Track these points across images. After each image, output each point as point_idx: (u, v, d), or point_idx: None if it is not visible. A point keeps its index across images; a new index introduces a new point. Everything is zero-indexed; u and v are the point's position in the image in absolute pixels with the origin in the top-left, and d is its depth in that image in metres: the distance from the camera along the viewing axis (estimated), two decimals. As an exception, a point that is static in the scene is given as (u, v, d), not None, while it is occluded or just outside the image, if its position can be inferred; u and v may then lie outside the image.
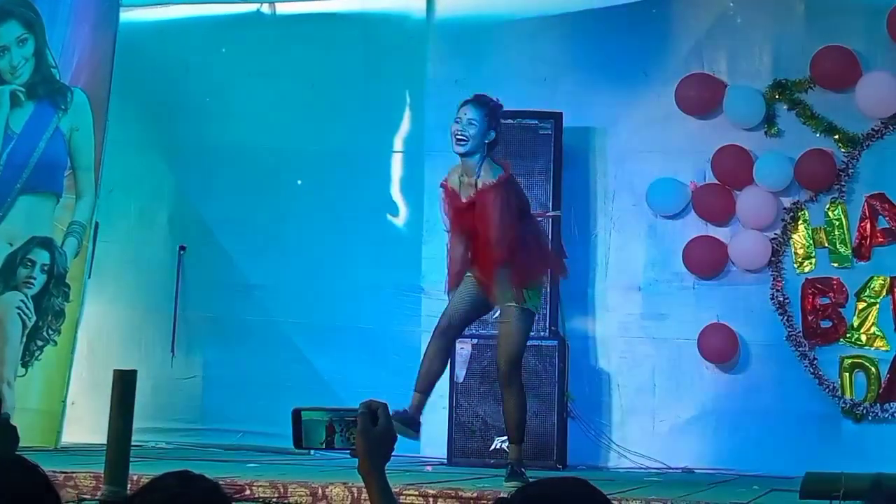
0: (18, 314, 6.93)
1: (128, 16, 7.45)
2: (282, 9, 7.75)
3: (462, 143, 5.34)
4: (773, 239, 6.88)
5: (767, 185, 6.89)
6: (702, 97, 7.01)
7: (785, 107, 6.92)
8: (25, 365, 6.88)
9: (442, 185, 5.55)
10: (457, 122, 5.38)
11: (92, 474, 4.84)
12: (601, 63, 7.17)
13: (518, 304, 5.36)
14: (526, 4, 7.36)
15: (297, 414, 2.25)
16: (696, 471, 6.65)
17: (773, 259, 6.87)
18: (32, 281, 6.92)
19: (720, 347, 6.84)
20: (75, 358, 6.99)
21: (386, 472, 2.23)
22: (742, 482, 6.05)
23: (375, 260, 7.39)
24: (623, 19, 7.18)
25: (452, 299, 5.51)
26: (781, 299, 6.83)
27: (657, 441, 6.88)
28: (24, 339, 6.89)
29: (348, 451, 2.25)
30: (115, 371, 3.52)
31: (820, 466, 5.36)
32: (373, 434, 2.22)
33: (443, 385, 6.82)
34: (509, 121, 6.88)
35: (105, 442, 4.00)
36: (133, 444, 3.54)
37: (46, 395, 6.82)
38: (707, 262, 6.94)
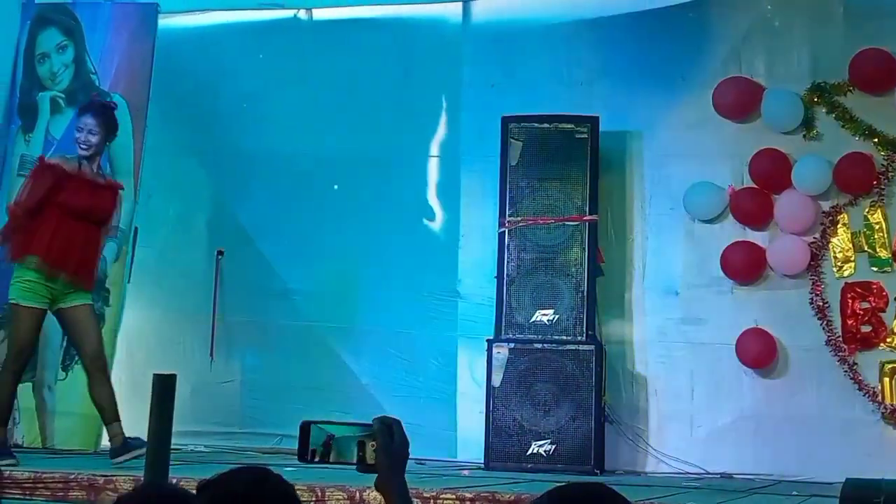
0: (59, 319, 6.99)
1: (166, 22, 7.51)
2: (318, 15, 7.78)
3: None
4: (812, 243, 6.84)
5: (806, 189, 6.84)
6: (740, 101, 6.97)
7: (823, 110, 6.87)
8: (66, 369, 6.94)
9: None
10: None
11: (132, 478, 4.87)
12: (638, 67, 7.15)
13: None
14: (562, 8, 7.35)
15: (305, 426, 2.26)
16: (734, 476, 6.61)
17: (812, 263, 6.82)
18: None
19: (759, 352, 6.80)
20: (115, 362, 7.04)
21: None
22: (781, 488, 6.01)
23: (412, 264, 7.40)
24: (660, 23, 7.16)
25: None
26: (821, 304, 6.78)
27: (695, 446, 6.85)
28: (64, 344, 6.95)
29: (355, 466, 2.26)
30: (154, 375, 3.55)
31: (860, 472, 5.31)
32: (393, 450, 2.23)
33: (479, 390, 6.84)
34: (545, 125, 6.90)
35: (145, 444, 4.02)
36: (172, 447, 3.56)
37: (86, 399, 6.85)
38: (745, 266, 6.90)
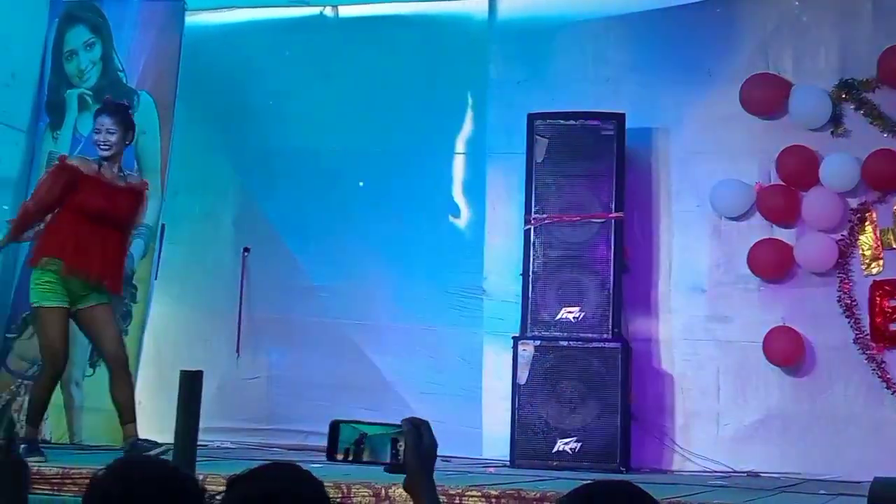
0: (87, 315, 7.03)
1: (193, 19, 7.54)
2: (344, 12, 7.79)
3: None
4: (840, 240, 6.79)
5: (834, 186, 6.80)
6: (767, 97, 6.94)
7: (851, 106, 6.83)
8: (93, 365, 6.98)
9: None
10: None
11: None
12: (664, 63, 7.12)
13: None
14: (588, 5, 7.34)
15: (334, 425, 2.26)
16: (761, 475, 6.58)
17: (839, 261, 6.77)
18: (100, 282, 7.01)
19: (786, 350, 6.76)
20: (142, 358, 7.09)
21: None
22: (808, 487, 5.98)
23: (437, 261, 7.40)
24: (687, 19, 7.13)
25: None
26: (849, 302, 6.74)
27: (722, 445, 6.82)
28: (92, 340, 6.99)
29: (382, 466, 2.26)
30: (182, 372, 3.57)
31: (888, 471, 5.27)
32: (422, 450, 2.24)
33: (505, 387, 6.83)
34: (571, 122, 6.88)
35: (172, 441, 4.05)
36: (199, 443, 3.58)
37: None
38: (772, 265, 6.86)
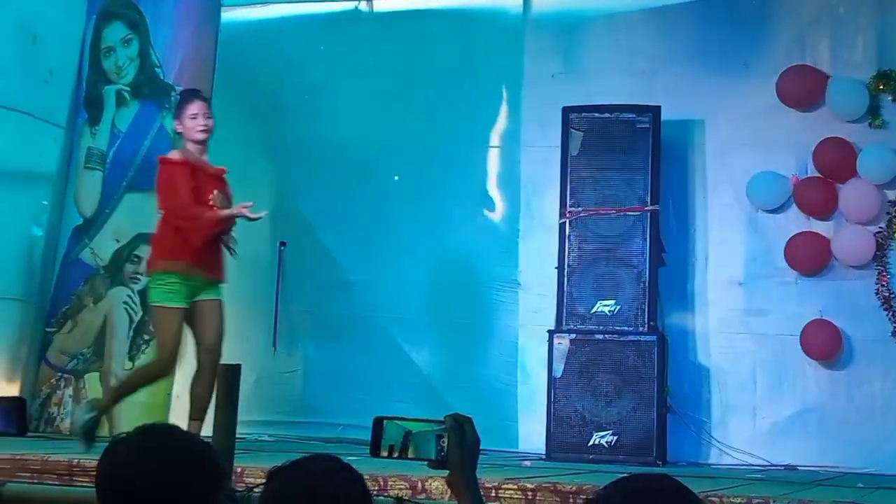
0: (125, 309, 7.10)
1: (228, 15, 7.58)
2: (379, 6, 7.81)
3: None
4: (878, 233, 6.75)
5: (871, 178, 6.76)
6: (803, 89, 6.90)
7: (889, 98, 6.78)
8: (132, 358, 7.04)
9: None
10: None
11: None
12: (700, 55, 7.10)
13: None
14: (623, -3, 7.32)
15: (378, 422, 2.28)
16: (799, 468, 6.56)
17: (877, 253, 6.73)
18: (139, 277, 7.08)
19: (823, 344, 6.73)
20: (180, 352, 7.13)
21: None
22: (847, 480, 5.95)
23: (472, 255, 7.41)
24: (722, 10, 7.10)
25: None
26: (887, 294, 6.69)
27: (759, 438, 6.80)
28: (131, 334, 7.06)
29: (426, 462, 2.27)
30: (219, 365, 3.59)
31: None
32: (465, 446, 2.25)
33: (541, 380, 6.84)
34: (607, 115, 6.87)
35: (210, 434, 4.08)
36: (237, 436, 3.61)
37: (152, 389, 6.94)
38: (809, 258, 6.83)
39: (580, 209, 6.82)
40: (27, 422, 2.69)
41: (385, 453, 2.26)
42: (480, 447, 2.30)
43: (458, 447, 2.25)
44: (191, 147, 5.83)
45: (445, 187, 7.48)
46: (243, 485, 4.32)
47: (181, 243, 5.68)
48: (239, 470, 4.58)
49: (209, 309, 5.77)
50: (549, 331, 6.78)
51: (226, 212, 5.78)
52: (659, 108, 6.84)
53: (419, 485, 4.76)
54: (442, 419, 2.28)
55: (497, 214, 7.51)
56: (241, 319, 7.70)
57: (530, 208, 7.37)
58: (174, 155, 5.88)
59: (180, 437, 2.18)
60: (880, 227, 6.76)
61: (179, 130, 5.89)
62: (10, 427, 2.64)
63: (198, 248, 5.68)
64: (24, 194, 7.24)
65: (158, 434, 2.16)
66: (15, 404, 2.70)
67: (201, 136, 5.82)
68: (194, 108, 5.84)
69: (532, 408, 6.99)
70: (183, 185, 5.71)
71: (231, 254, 5.90)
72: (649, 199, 6.76)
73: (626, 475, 2.08)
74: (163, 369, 5.79)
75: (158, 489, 2.05)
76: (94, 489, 2.20)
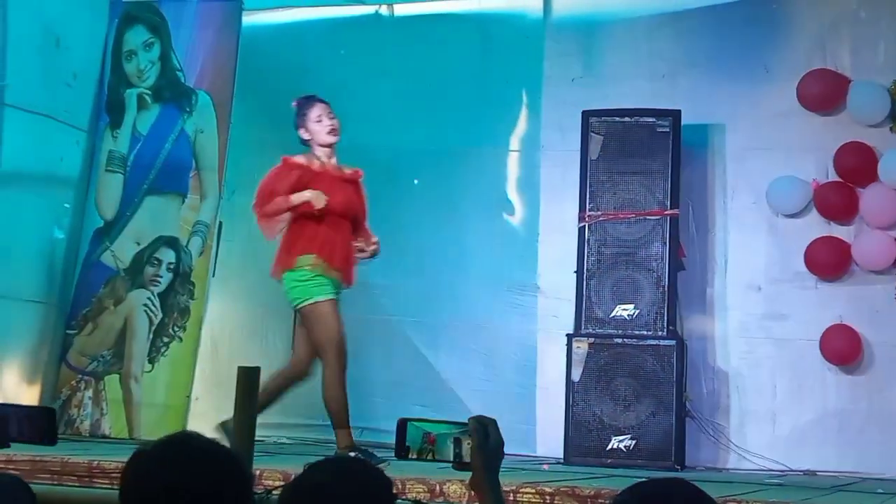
0: (145, 311, 7.14)
1: (249, 19, 7.60)
2: (400, 10, 7.82)
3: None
4: (899, 238, 6.73)
5: (892, 183, 6.73)
6: (825, 93, 6.88)
7: (911, 102, 6.76)
8: (152, 361, 7.07)
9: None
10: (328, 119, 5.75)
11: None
12: (720, 59, 7.08)
13: None
14: (642, 1, 7.31)
15: (402, 424, 2.29)
16: (818, 474, 6.54)
17: (898, 258, 6.71)
18: (159, 279, 7.12)
19: (844, 349, 6.71)
20: (199, 354, 7.16)
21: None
22: (866, 486, 5.93)
23: (492, 258, 7.41)
24: (743, 14, 7.09)
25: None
26: (907, 300, 6.67)
27: (778, 443, 6.78)
28: (151, 336, 7.09)
29: (450, 464, 2.28)
30: (239, 368, 3.61)
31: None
32: (488, 448, 2.26)
33: (559, 384, 6.83)
34: (626, 119, 6.87)
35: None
36: (256, 438, 3.62)
37: (172, 391, 7.00)
38: (830, 263, 6.81)
39: (599, 213, 6.82)
40: (56, 432, 2.73)
41: (410, 455, 2.28)
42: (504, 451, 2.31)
43: (482, 449, 2.26)
44: (319, 152, 5.77)
45: (465, 191, 7.48)
46: (262, 487, 4.33)
47: (319, 243, 5.64)
48: (258, 472, 4.60)
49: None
50: (567, 335, 6.78)
51: (296, 198, 5.64)
52: (679, 112, 6.83)
53: (437, 488, 4.76)
54: (465, 421, 2.29)
55: (516, 218, 7.51)
56: (260, 322, 7.74)
57: (549, 212, 7.36)
58: (297, 157, 5.79)
59: (204, 447, 2.17)
60: (901, 232, 6.73)
61: (307, 138, 5.79)
62: (40, 437, 2.69)
63: (329, 248, 5.62)
64: (46, 197, 7.28)
65: (180, 443, 2.15)
66: (45, 415, 2.75)
67: (331, 139, 5.76)
68: (317, 110, 5.79)
69: (550, 412, 6.99)
70: (273, 183, 5.68)
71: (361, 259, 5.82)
72: (669, 203, 6.75)
73: (643, 480, 2.08)
74: (341, 362, 5.66)
75: (187, 499, 2.03)
76: (113, 490, 2.21)
